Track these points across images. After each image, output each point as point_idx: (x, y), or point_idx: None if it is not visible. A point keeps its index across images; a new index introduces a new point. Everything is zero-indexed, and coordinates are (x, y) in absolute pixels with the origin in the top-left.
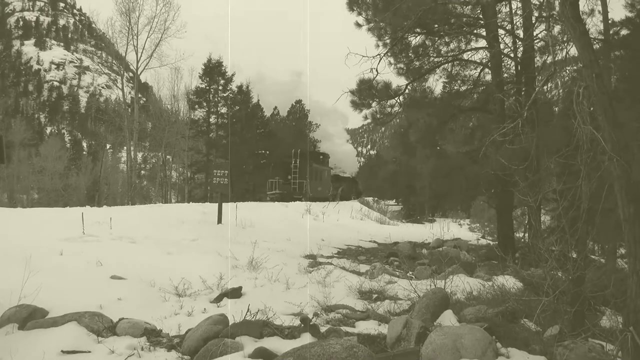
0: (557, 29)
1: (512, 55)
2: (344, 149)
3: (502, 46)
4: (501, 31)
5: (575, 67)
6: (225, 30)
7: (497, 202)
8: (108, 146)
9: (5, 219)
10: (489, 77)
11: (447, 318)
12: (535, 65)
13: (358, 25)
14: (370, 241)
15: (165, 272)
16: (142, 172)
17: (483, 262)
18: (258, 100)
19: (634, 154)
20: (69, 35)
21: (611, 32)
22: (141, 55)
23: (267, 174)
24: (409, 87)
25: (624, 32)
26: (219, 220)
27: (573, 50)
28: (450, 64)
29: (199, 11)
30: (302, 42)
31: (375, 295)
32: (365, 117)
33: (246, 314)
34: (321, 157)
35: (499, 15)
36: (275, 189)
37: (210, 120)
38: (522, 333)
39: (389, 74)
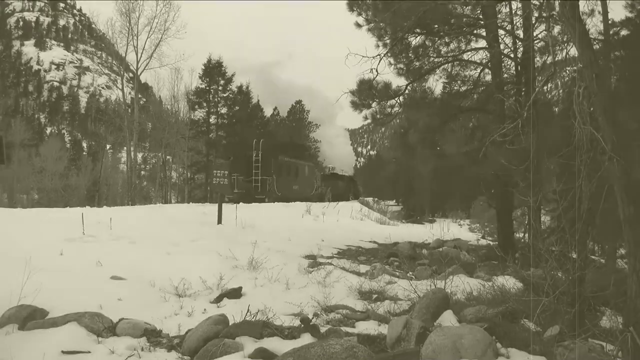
0: (557, 29)
1: (512, 55)
2: (340, 146)
3: (502, 46)
4: (501, 31)
5: (575, 68)
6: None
7: (497, 202)
8: (108, 146)
9: (5, 219)
10: (489, 78)
11: (447, 318)
12: (535, 66)
13: (358, 25)
14: (370, 241)
15: (165, 272)
16: (142, 172)
17: (483, 262)
18: (258, 101)
19: (634, 154)
20: (69, 36)
21: (611, 32)
22: (141, 56)
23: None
24: (409, 87)
25: (624, 32)
26: (219, 221)
27: (573, 51)
28: (450, 64)
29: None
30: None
31: (375, 296)
32: (365, 118)
33: (246, 314)
34: (299, 149)
35: (499, 16)
36: (235, 188)
37: (210, 120)
38: (522, 333)
39: (389, 74)
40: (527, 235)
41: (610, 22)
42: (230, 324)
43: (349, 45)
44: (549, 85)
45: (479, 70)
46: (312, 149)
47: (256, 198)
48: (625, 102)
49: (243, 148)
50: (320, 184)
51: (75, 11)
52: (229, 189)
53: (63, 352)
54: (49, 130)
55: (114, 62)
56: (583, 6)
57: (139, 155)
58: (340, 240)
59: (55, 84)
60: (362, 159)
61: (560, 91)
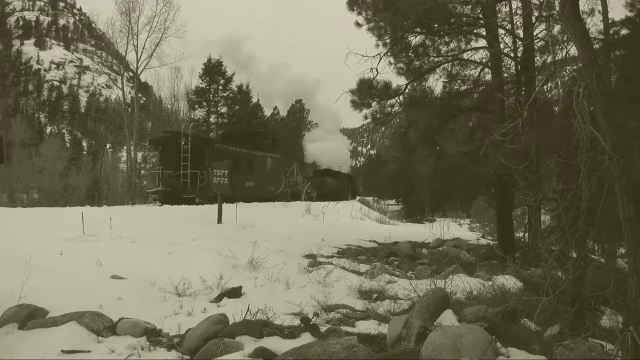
0: (557, 28)
1: (512, 54)
2: (335, 142)
3: (502, 46)
4: (501, 31)
5: (575, 67)
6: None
7: (497, 202)
8: (108, 146)
9: (5, 219)
10: (489, 77)
11: (447, 318)
12: (535, 65)
13: (358, 24)
14: (370, 241)
15: (165, 272)
16: (142, 171)
17: (483, 261)
18: (258, 100)
19: (634, 153)
20: (69, 35)
21: (611, 31)
22: (141, 55)
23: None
24: (409, 86)
25: (624, 31)
26: (219, 220)
27: (573, 50)
28: (450, 63)
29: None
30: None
31: (375, 295)
32: (365, 117)
33: (246, 314)
34: (256, 137)
35: (499, 15)
36: (159, 185)
37: (211, 119)
38: (522, 333)
39: (389, 74)
40: (527, 234)
41: (610, 21)
42: (230, 323)
43: (349, 44)
44: (549, 85)
45: (479, 70)
46: (274, 137)
47: (184, 197)
48: (625, 101)
49: (174, 135)
50: (301, 181)
51: (75, 10)
52: (229, 189)
53: (63, 351)
54: (49, 129)
55: (114, 61)
56: (583, 5)
57: (139, 155)
58: (340, 239)
59: (55, 83)
60: (362, 158)
61: (561, 90)
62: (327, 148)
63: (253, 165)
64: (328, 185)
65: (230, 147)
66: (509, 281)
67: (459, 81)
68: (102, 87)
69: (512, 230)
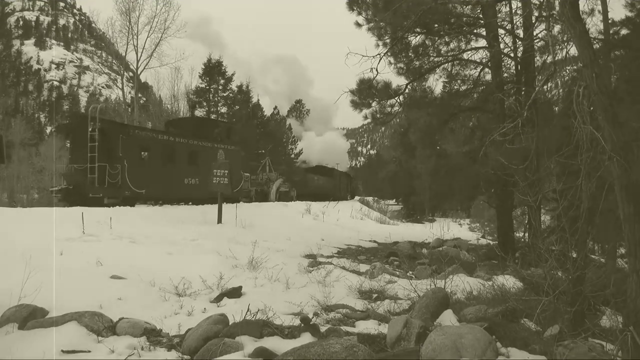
0: (557, 28)
1: (512, 54)
2: (331, 137)
3: (502, 46)
4: (501, 31)
5: (575, 67)
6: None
7: (497, 201)
8: None
9: (5, 219)
10: (489, 77)
11: (447, 318)
12: (535, 65)
13: (358, 25)
14: (370, 241)
15: (165, 272)
16: None
17: (483, 261)
18: (258, 100)
19: (634, 153)
20: (69, 35)
21: (611, 31)
22: (141, 55)
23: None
24: (409, 86)
25: (624, 31)
26: (219, 220)
27: (573, 50)
28: (450, 63)
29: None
30: None
31: (375, 295)
32: (365, 117)
33: (246, 314)
34: (204, 126)
35: (499, 15)
36: (62, 182)
37: None
38: (522, 333)
39: (389, 74)
40: (527, 234)
41: (610, 21)
42: (230, 323)
43: (349, 44)
44: (549, 85)
45: (479, 70)
46: (232, 127)
47: (91, 197)
48: (626, 101)
49: (83, 120)
50: (275, 178)
51: (75, 10)
52: (229, 189)
53: (63, 351)
54: (49, 129)
55: (114, 61)
56: (583, 5)
57: None
58: (340, 239)
59: (55, 83)
60: (362, 158)
61: (561, 90)
62: (319, 143)
63: (197, 159)
64: (314, 184)
65: (159, 136)
66: (509, 281)
67: (459, 81)
68: (102, 87)
69: (512, 230)
